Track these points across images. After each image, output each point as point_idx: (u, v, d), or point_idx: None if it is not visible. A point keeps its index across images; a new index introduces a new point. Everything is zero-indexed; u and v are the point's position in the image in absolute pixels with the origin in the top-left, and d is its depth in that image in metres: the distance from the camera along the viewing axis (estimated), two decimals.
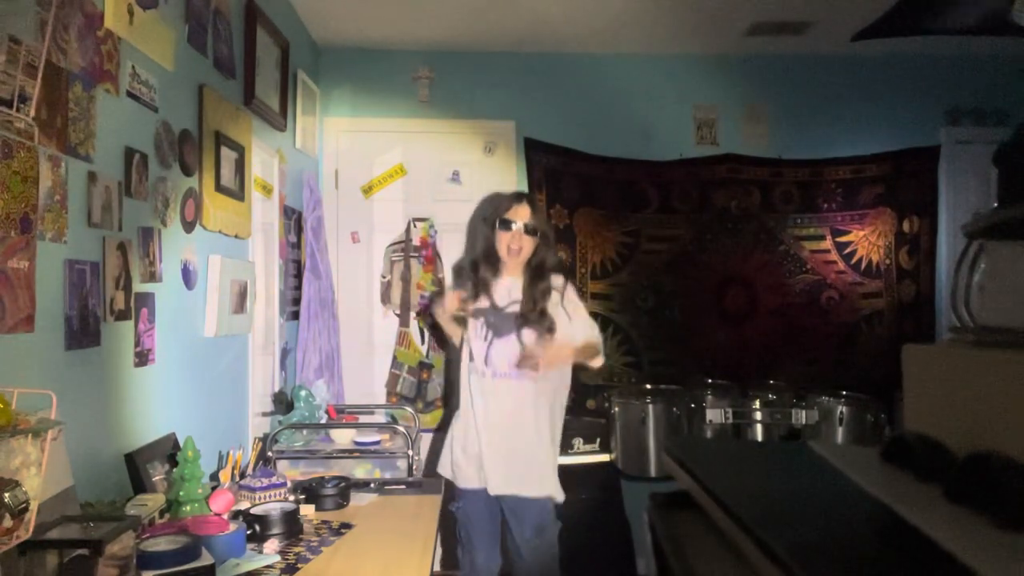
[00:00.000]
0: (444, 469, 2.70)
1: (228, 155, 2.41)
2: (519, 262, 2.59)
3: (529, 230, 2.56)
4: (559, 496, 2.58)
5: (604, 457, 3.48)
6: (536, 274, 2.58)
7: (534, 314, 2.52)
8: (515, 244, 2.55)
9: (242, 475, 2.26)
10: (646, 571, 3.51)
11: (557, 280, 2.60)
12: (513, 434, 2.53)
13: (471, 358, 2.60)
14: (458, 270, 2.69)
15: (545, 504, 2.55)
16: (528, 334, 2.52)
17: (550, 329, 2.52)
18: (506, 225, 2.56)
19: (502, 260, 2.60)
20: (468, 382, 2.61)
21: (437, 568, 3.60)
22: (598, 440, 3.52)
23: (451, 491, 2.66)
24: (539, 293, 2.54)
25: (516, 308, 2.54)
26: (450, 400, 3.76)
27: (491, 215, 2.66)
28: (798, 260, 3.88)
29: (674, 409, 3.31)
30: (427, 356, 3.76)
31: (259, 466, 2.37)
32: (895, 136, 3.87)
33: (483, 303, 2.59)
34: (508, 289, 2.60)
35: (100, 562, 1.26)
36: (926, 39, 3.47)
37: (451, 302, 2.59)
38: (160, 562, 1.45)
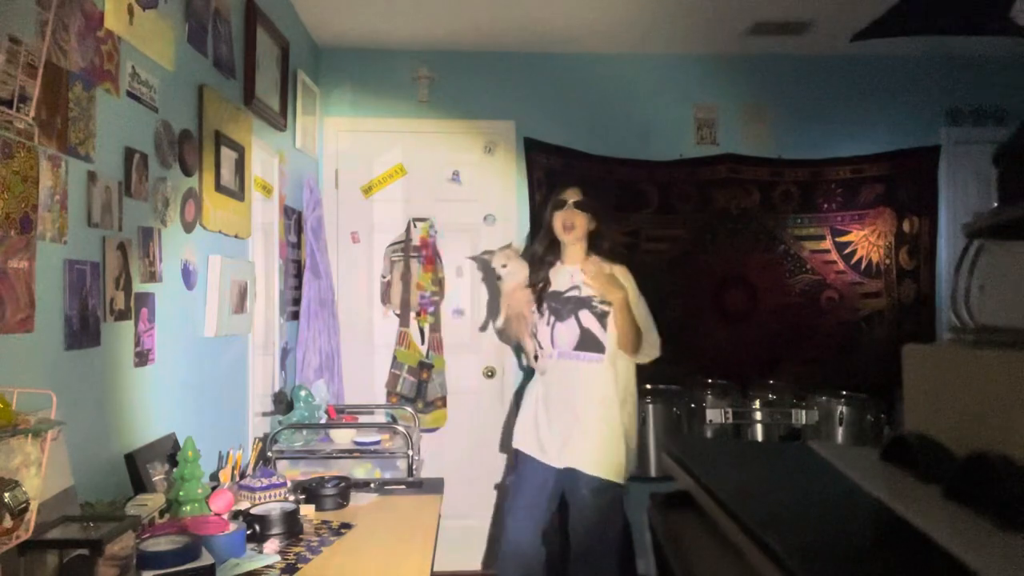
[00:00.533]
0: (517, 439, 2.89)
1: (228, 155, 2.41)
2: (575, 239, 2.81)
3: (580, 206, 2.80)
4: (619, 480, 2.74)
5: None
6: (600, 253, 2.83)
7: (592, 299, 2.74)
8: (568, 220, 2.79)
9: (242, 475, 2.26)
10: (646, 571, 3.51)
11: (619, 269, 2.80)
12: (579, 412, 2.71)
13: (540, 344, 2.82)
14: (530, 260, 2.89)
15: (604, 488, 2.71)
16: (586, 316, 2.74)
17: (604, 314, 2.73)
18: (560, 205, 2.82)
19: (561, 242, 2.83)
20: (539, 367, 2.85)
21: (437, 568, 3.59)
22: None
23: (512, 462, 2.93)
24: (596, 279, 2.72)
25: (575, 293, 2.77)
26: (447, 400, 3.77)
27: (548, 202, 2.92)
28: (798, 260, 3.88)
29: (674, 409, 3.31)
30: (427, 356, 3.76)
31: (259, 466, 2.37)
32: (895, 136, 3.87)
33: (547, 289, 2.83)
34: (571, 274, 2.82)
35: (100, 562, 1.26)
36: (926, 39, 3.48)
37: (519, 300, 2.84)
38: (160, 562, 1.45)
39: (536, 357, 2.88)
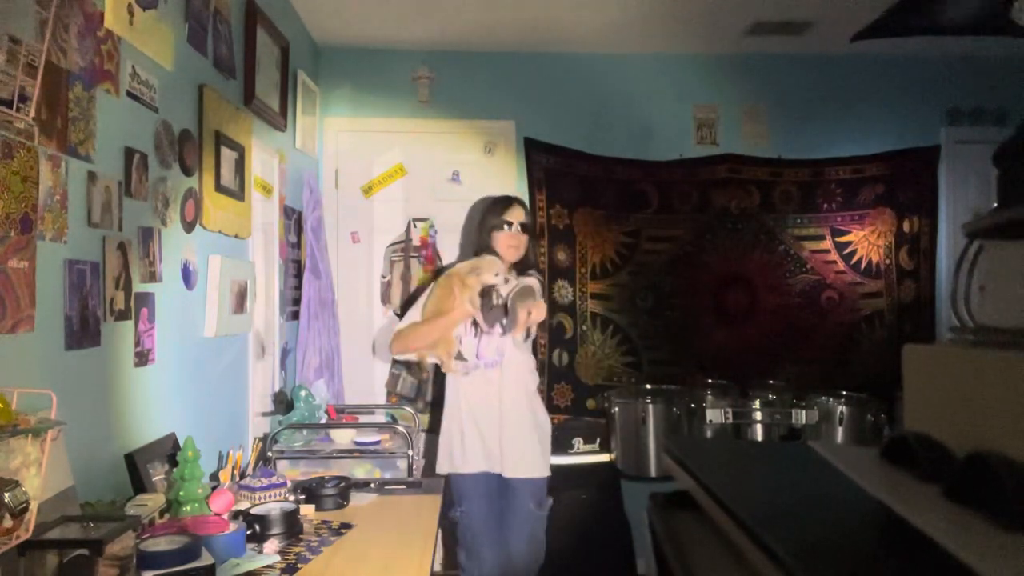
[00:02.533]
0: (442, 466, 2.78)
1: (228, 155, 2.41)
2: (513, 257, 2.76)
3: (525, 229, 2.79)
4: (547, 472, 2.77)
5: (604, 457, 3.48)
6: (522, 270, 2.79)
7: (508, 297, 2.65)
8: (515, 241, 2.75)
9: (242, 475, 2.26)
10: (646, 571, 3.51)
11: (535, 280, 2.77)
12: (504, 419, 2.69)
13: (459, 357, 2.72)
14: (485, 291, 2.68)
15: (542, 481, 2.75)
16: (503, 323, 2.67)
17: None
18: (504, 226, 2.75)
19: (497, 254, 2.74)
20: (456, 380, 2.75)
21: (437, 568, 3.60)
22: (598, 440, 3.52)
23: (451, 496, 2.73)
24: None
25: (499, 302, 2.67)
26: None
27: (487, 218, 2.81)
28: (798, 260, 3.88)
29: (674, 409, 3.31)
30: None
31: (259, 466, 2.37)
32: (895, 136, 3.87)
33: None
34: (504, 282, 2.69)
35: (100, 562, 1.26)
36: (926, 39, 3.47)
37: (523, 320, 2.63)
38: (160, 562, 1.45)
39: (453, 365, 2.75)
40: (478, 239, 2.82)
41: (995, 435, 0.82)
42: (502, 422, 2.69)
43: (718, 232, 3.86)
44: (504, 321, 2.65)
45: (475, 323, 2.69)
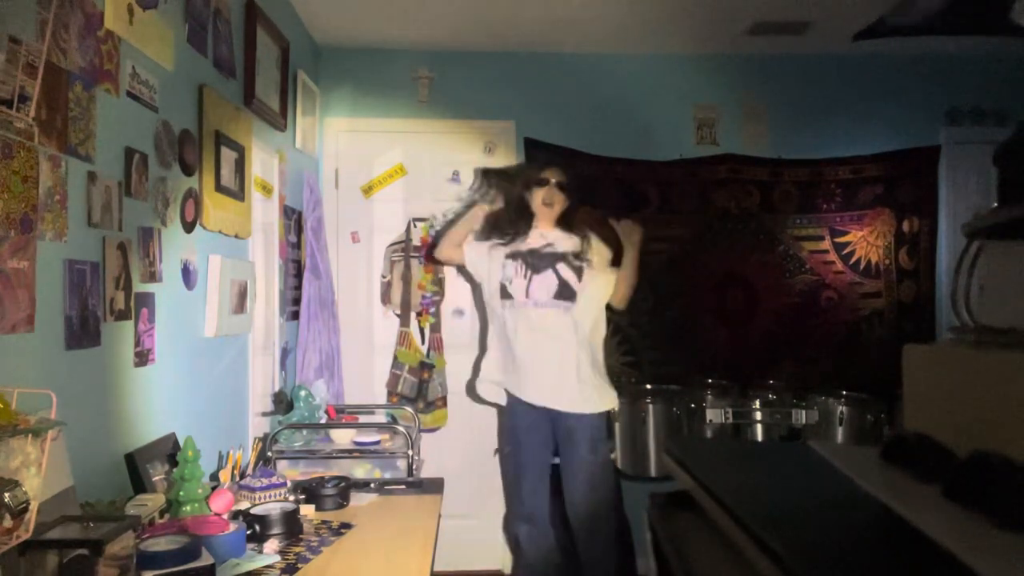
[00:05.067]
0: (487, 391, 3.04)
1: (228, 155, 2.41)
2: (551, 215, 2.99)
3: (560, 187, 2.99)
4: (613, 406, 2.98)
5: None
6: (567, 225, 3.01)
7: (570, 254, 2.94)
8: (548, 197, 2.97)
9: (242, 475, 2.26)
10: (646, 571, 3.51)
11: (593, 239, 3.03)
12: (557, 357, 2.86)
13: (507, 295, 2.92)
14: (493, 222, 3.05)
15: (599, 422, 2.90)
16: (563, 269, 2.90)
17: (580, 269, 2.93)
18: (543, 183, 2.99)
19: (536, 215, 3.00)
20: (504, 317, 2.95)
21: (437, 568, 3.59)
22: None
23: (500, 438, 3.16)
24: (577, 238, 2.97)
25: (551, 249, 2.95)
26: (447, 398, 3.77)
27: (528, 173, 3.07)
28: (798, 260, 3.88)
29: (674, 409, 3.31)
30: (428, 356, 3.76)
31: (259, 466, 2.37)
32: (895, 136, 3.87)
33: (520, 247, 2.97)
34: (541, 234, 2.99)
35: (100, 562, 1.26)
36: (926, 39, 3.47)
37: (460, 234, 3.03)
38: (160, 562, 1.45)
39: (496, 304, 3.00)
40: (516, 194, 3.03)
41: (995, 435, 0.82)
42: (560, 359, 2.85)
43: (718, 232, 3.86)
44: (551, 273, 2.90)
45: (529, 264, 2.92)
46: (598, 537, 2.90)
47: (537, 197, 3.00)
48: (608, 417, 2.99)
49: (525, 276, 2.93)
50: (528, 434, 2.93)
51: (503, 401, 3.03)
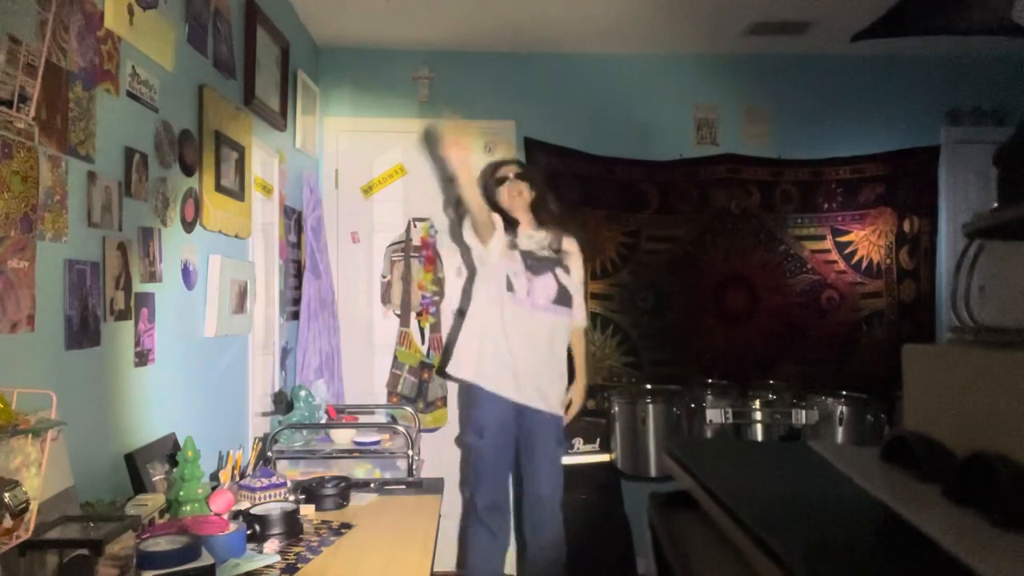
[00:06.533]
0: (463, 371, 2.95)
1: (228, 155, 2.41)
2: (523, 207, 2.99)
3: (521, 177, 3.00)
4: (563, 414, 3.01)
5: (604, 457, 3.48)
6: (543, 221, 3.01)
7: (563, 260, 2.97)
8: (514, 190, 2.97)
9: (242, 475, 2.26)
10: (646, 571, 3.51)
11: (568, 240, 3.04)
12: (542, 358, 2.89)
13: (510, 288, 2.90)
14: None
15: (559, 422, 2.96)
16: (562, 274, 2.94)
17: (568, 269, 2.97)
18: (501, 180, 3.00)
19: (510, 211, 2.97)
20: (502, 307, 2.90)
21: (437, 568, 3.59)
22: (598, 440, 3.52)
23: (464, 426, 3.09)
24: (556, 238, 3.00)
25: (548, 254, 2.97)
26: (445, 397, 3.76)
27: (488, 183, 3.03)
28: (798, 260, 3.88)
29: (674, 409, 3.31)
30: (428, 356, 3.76)
31: (259, 466, 2.37)
32: (895, 136, 3.87)
33: (520, 245, 2.95)
34: (529, 235, 2.98)
35: (100, 562, 1.26)
36: (926, 39, 3.47)
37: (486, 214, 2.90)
38: (160, 562, 1.45)
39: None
40: (489, 201, 2.98)
41: (995, 435, 0.82)
42: (537, 358, 2.87)
43: (718, 232, 3.86)
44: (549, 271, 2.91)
45: (528, 266, 2.91)
46: (549, 528, 2.93)
47: (504, 195, 2.99)
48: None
49: (526, 277, 2.92)
50: (500, 429, 2.90)
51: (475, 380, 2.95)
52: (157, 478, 1.85)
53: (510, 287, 2.90)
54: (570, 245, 3.03)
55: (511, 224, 2.98)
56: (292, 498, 2.17)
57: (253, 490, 2.12)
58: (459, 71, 3.85)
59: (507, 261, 2.92)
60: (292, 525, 1.94)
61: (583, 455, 3.49)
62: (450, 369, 3.00)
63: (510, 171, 3.01)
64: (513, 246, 2.95)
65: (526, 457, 2.93)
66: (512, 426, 2.90)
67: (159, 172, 1.95)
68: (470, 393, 2.94)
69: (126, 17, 1.75)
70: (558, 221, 3.05)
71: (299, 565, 1.74)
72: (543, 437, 2.90)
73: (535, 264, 2.92)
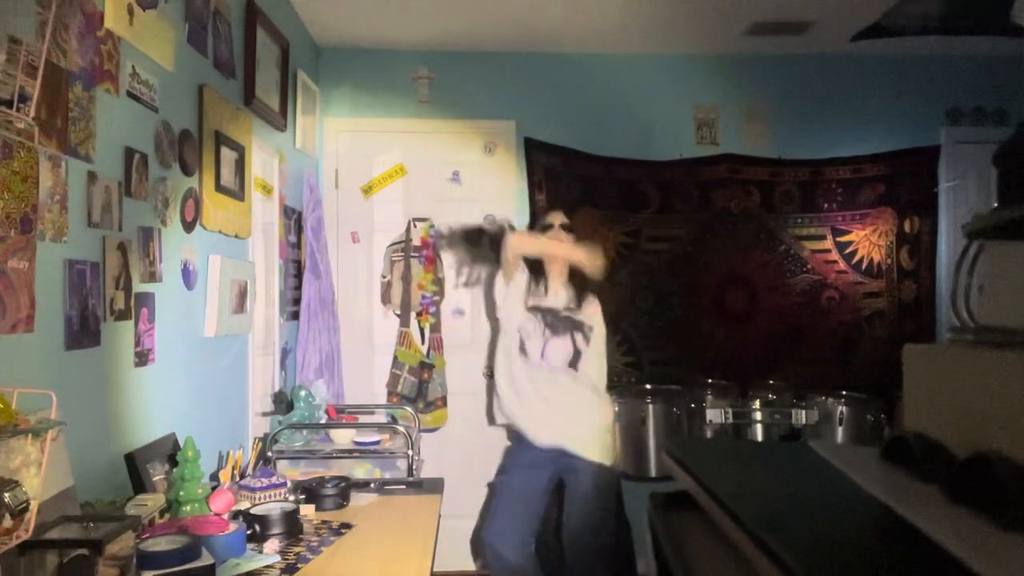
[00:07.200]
0: (506, 418, 2.94)
1: (228, 155, 2.41)
2: (560, 264, 2.90)
3: (566, 227, 2.94)
4: (607, 461, 2.87)
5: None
6: (581, 284, 2.91)
7: (584, 324, 2.86)
8: (556, 237, 2.90)
9: (242, 475, 2.26)
10: (646, 571, 3.51)
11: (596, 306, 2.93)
12: (567, 403, 2.82)
13: (523, 350, 2.85)
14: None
15: (598, 469, 2.82)
16: (579, 338, 2.85)
17: (588, 337, 2.87)
18: (546, 227, 2.96)
19: (547, 262, 2.91)
20: (513, 369, 2.87)
21: (437, 568, 3.59)
22: None
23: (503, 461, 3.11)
24: (583, 299, 2.90)
25: (570, 315, 2.87)
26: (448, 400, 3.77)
27: (535, 229, 3.05)
28: (799, 260, 3.88)
29: (674, 409, 3.31)
30: (428, 356, 3.76)
31: (259, 466, 2.37)
32: (895, 136, 3.87)
33: (541, 302, 2.89)
34: (556, 293, 2.91)
35: (100, 562, 1.26)
36: (926, 39, 3.47)
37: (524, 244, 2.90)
38: (160, 562, 1.45)
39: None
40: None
41: (995, 435, 0.82)
42: (566, 405, 2.82)
43: (718, 232, 3.86)
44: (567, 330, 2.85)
45: (545, 323, 2.85)
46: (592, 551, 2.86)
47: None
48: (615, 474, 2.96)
49: (543, 335, 2.86)
50: (528, 469, 2.86)
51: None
52: (157, 478, 1.85)
53: (522, 349, 2.86)
54: (594, 309, 2.92)
55: (541, 275, 2.93)
56: (292, 498, 2.17)
57: (253, 490, 2.12)
58: (459, 71, 3.85)
59: (523, 320, 2.87)
60: (292, 525, 1.94)
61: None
62: (501, 417, 3.02)
63: (556, 219, 2.96)
64: (536, 304, 2.88)
65: (567, 493, 2.90)
66: (546, 473, 2.85)
67: (159, 172, 1.95)
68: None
69: (126, 17, 1.75)
70: (589, 284, 2.94)
71: (299, 565, 1.74)
72: (579, 477, 2.82)
73: (554, 322, 2.86)
